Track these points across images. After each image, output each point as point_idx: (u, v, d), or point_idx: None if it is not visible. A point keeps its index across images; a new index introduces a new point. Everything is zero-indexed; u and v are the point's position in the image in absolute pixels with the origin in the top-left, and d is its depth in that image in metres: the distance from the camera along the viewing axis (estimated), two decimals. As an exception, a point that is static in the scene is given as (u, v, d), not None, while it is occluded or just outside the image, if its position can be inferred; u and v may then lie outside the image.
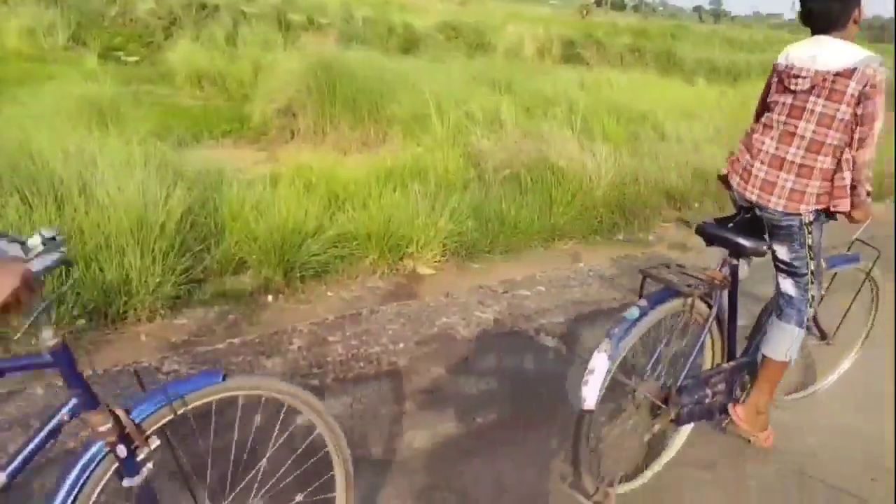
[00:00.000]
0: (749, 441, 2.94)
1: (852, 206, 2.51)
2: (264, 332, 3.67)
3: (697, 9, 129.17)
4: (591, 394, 2.33)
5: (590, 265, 5.06)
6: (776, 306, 2.74)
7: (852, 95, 2.39)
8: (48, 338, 1.44)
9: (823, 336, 3.22)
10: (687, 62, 18.06)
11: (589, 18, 33.88)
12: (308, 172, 5.49)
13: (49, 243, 1.42)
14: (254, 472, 1.85)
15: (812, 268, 2.63)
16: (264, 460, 1.86)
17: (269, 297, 4.10)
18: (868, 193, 2.55)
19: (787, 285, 2.68)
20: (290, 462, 1.96)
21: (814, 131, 2.47)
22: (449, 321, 3.98)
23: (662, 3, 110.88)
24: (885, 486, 2.82)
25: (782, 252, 2.64)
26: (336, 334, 3.70)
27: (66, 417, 1.49)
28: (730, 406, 2.80)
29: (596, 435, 2.48)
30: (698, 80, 13.64)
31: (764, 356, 2.73)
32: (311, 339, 3.63)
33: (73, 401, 1.50)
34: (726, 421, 2.87)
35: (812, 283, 2.65)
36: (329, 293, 4.26)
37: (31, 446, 1.47)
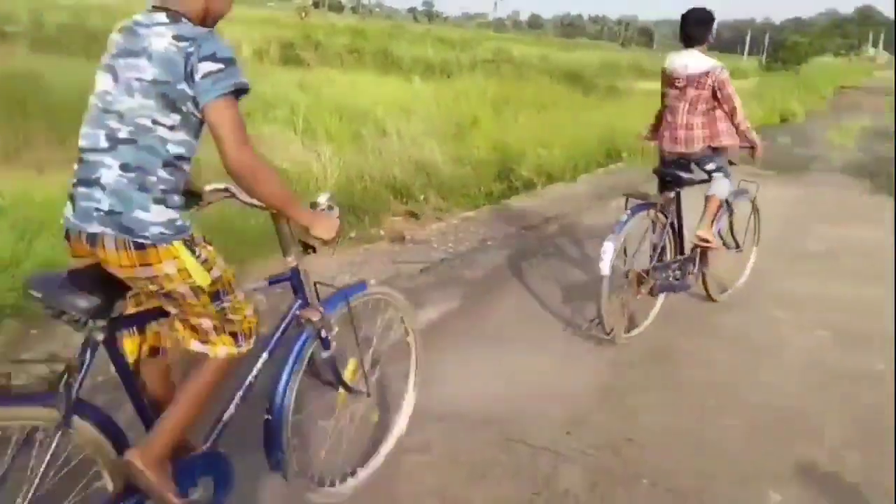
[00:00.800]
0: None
1: (753, 149, 4.36)
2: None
3: (412, 10, 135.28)
4: (605, 265, 3.82)
5: (307, 267, 4.99)
6: (714, 180, 4.37)
7: (709, 86, 4.14)
8: (290, 262, 2.24)
9: (738, 246, 4.84)
10: (404, 61, 18.86)
11: (307, 20, 33.91)
12: (-5, 197, 4.86)
13: (331, 201, 2.19)
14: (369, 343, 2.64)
15: (726, 164, 4.38)
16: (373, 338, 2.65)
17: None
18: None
19: (719, 176, 4.34)
20: (386, 337, 2.74)
21: (689, 103, 4.19)
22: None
23: (378, 4, 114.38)
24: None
25: (711, 166, 4.31)
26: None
27: (296, 313, 2.26)
28: (696, 232, 4.37)
29: (608, 297, 3.86)
30: (415, 77, 14.29)
31: (710, 196, 4.38)
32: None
33: (299, 302, 2.28)
34: (699, 240, 4.38)
35: (729, 174, 4.38)
36: (33, 330, 3.81)
37: (278, 333, 2.25)
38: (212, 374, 1.98)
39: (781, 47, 36.95)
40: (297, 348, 2.26)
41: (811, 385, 3.76)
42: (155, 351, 2.08)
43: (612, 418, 3.29)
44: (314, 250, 2.24)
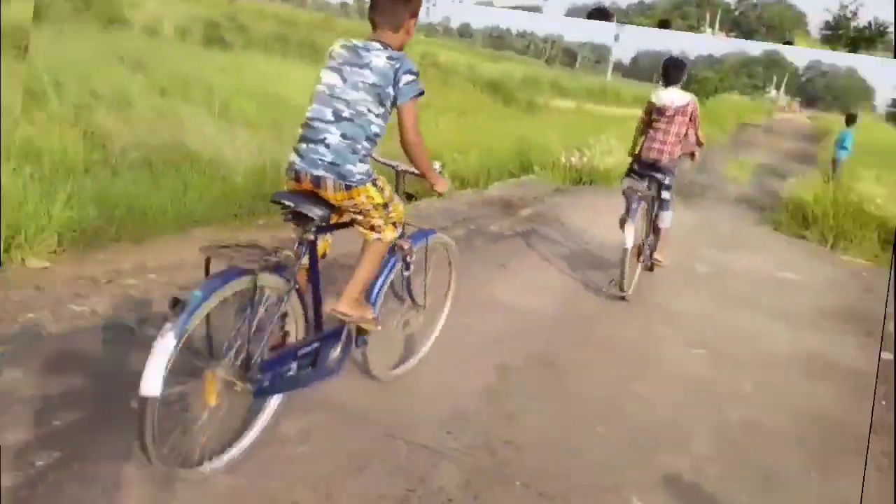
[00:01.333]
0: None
1: (693, 155, 5.79)
2: None
3: (344, 5, 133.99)
4: (628, 241, 5.21)
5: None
6: (662, 208, 5.73)
7: (690, 113, 5.55)
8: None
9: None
10: (331, 53, 18.55)
11: (236, 2, 33.04)
12: None
13: (442, 168, 3.23)
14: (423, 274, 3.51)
15: (674, 185, 5.75)
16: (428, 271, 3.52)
17: None
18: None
19: (667, 195, 5.70)
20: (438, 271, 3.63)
21: (677, 126, 5.51)
22: (36, 316, 3.61)
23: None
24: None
25: (667, 181, 5.61)
26: None
27: (397, 242, 3.13)
28: (654, 256, 5.87)
29: (623, 265, 5.26)
30: (339, 72, 14.09)
31: (660, 228, 5.80)
32: None
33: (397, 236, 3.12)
34: (651, 262, 5.89)
35: (672, 195, 5.78)
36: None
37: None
38: (383, 248, 3.03)
39: (693, 80, 38.59)
40: (391, 265, 3.22)
41: (684, 400, 4.02)
42: (323, 255, 3.06)
43: (493, 420, 3.44)
44: (416, 199, 3.37)
